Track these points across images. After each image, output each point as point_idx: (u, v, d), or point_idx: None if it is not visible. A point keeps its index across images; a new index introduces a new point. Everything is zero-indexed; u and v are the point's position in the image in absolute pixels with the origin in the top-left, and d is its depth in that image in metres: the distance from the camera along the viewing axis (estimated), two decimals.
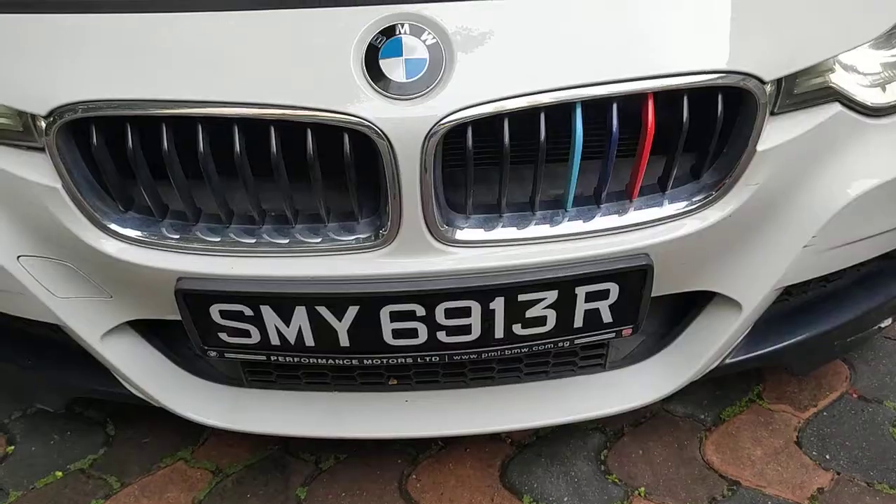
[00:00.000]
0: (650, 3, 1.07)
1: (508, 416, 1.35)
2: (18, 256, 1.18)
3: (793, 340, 1.39)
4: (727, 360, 1.37)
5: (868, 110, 1.18)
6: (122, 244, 1.12)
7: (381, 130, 1.01)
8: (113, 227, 1.11)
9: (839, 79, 1.15)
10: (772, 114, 1.12)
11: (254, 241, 1.12)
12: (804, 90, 1.12)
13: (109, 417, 1.69)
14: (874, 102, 1.18)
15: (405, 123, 1.02)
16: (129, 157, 1.06)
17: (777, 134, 1.12)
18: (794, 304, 1.41)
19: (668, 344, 1.36)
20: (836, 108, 1.15)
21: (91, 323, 1.24)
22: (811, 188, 1.18)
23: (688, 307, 1.35)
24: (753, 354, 1.37)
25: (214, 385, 1.36)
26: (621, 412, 1.34)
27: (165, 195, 1.13)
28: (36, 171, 1.09)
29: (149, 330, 1.31)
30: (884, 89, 1.20)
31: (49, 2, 1.08)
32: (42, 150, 1.08)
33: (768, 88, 1.08)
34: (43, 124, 1.05)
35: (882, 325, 1.51)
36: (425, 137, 1.02)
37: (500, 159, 1.06)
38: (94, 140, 1.05)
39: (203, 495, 1.51)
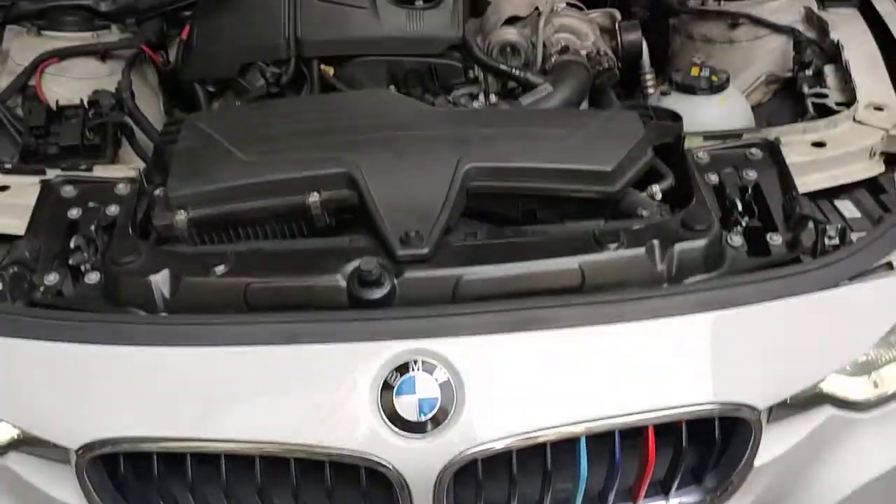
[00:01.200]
0: (649, 343, 1.13)
1: None
2: None
3: None
4: None
5: (859, 407, 1.23)
6: None
7: (395, 468, 1.06)
8: None
9: (831, 385, 1.20)
10: (767, 423, 1.18)
11: None
12: (797, 400, 1.18)
13: None
14: (865, 398, 1.23)
15: (418, 460, 1.07)
16: (155, 489, 1.10)
17: (773, 445, 1.17)
18: None
19: None
20: (829, 411, 1.21)
21: None
22: (808, 486, 1.23)
23: None
24: None
25: None
26: None
27: None
28: (63, 490, 1.13)
29: None
30: (876, 384, 1.25)
31: (79, 330, 1.13)
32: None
33: (763, 414, 1.14)
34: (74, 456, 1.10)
35: None
36: (439, 474, 1.07)
37: (509, 487, 1.11)
38: (122, 470, 1.10)
39: None
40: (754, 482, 1.17)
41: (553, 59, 1.73)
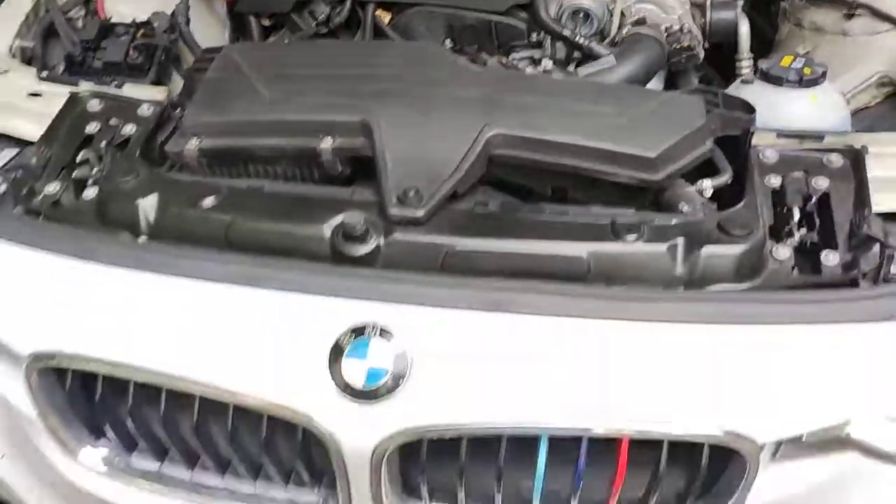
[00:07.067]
0: (639, 349, 1.00)
1: None
2: (2, 455, 1.22)
3: None
4: None
5: (891, 458, 1.05)
6: (89, 474, 1.14)
7: (331, 433, 0.99)
8: (81, 457, 1.14)
9: (860, 431, 1.02)
10: (772, 459, 1.02)
11: (213, 485, 1.12)
12: (815, 440, 1.01)
13: None
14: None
15: (357, 429, 0.99)
16: (97, 409, 1.08)
17: (774, 486, 1.01)
18: None
19: None
20: (851, 457, 1.03)
21: None
22: None
23: None
24: None
25: None
26: None
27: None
28: (15, 392, 1.13)
29: None
30: None
31: (53, 238, 1.12)
32: None
33: (766, 450, 0.98)
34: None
35: None
36: (377, 446, 0.98)
37: (458, 477, 1.01)
38: (69, 384, 1.08)
39: None
40: None
41: (625, 31, 1.58)
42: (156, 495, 1.13)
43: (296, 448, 1.06)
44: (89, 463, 1.14)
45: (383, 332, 1.00)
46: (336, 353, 1.00)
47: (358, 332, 1.00)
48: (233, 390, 1.01)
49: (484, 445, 1.02)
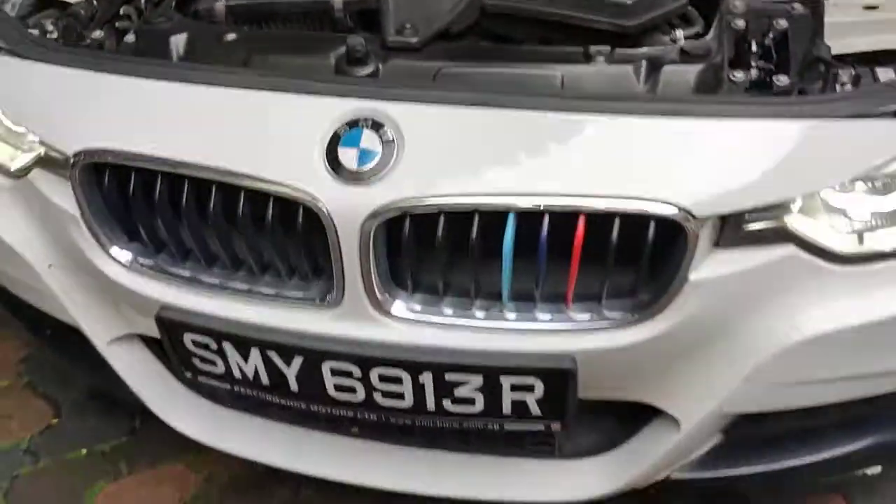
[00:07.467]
0: (595, 137, 1.13)
1: (449, 484, 1.42)
2: (50, 265, 1.40)
3: (753, 470, 1.37)
4: (674, 476, 1.36)
5: (833, 258, 1.16)
6: (121, 269, 1.31)
7: (327, 209, 1.14)
8: (115, 253, 1.30)
9: (798, 222, 1.14)
10: (716, 245, 1.14)
11: (226, 283, 1.28)
12: (754, 229, 1.13)
13: (139, 412, 1.89)
14: (843, 251, 1.16)
15: (349, 205, 1.13)
16: (130, 202, 1.24)
17: (715, 266, 1.14)
18: (765, 434, 1.38)
19: (617, 446, 1.38)
20: (790, 250, 1.15)
21: (100, 330, 1.44)
22: (755, 323, 1.17)
23: (644, 414, 1.36)
24: (704, 475, 1.36)
25: (201, 401, 1.53)
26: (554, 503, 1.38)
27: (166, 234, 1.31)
28: (64, 198, 1.30)
29: (153, 340, 1.49)
30: (861, 239, 1.18)
31: (98, 62, 1.30)
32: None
33: (703, 223, 1.10)
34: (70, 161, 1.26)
35: (868, 472, 1.45)
36: (363, 221, 1.13)
37: (436, 251, 1.15)
38: (107, 181, 1.25)
39: (189, 497, 1.68)
40: (689, 298, 1.14)
41: None
42: (174, 289, 1.30)
43: (298, 238, 1.21)
44: (120, 258, 1.31)
45: (374, 124, 1.15)
46: (334, 141, 1.15)
47: (352, 124, 1.16)
48: (247, 173, 1.17)
49: (462, 251, 1.15)
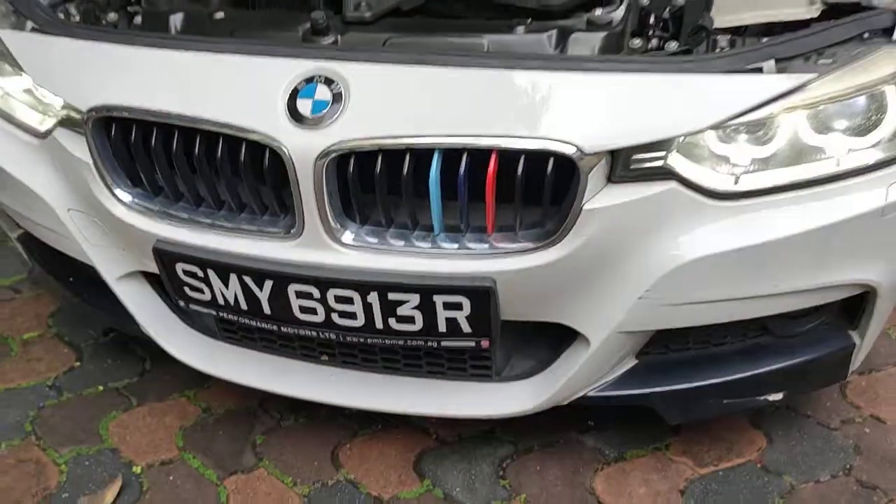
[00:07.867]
0: (505, 90, 1.36)
1: (405, 402, 1.65)
2: (69, 209, 1.67)
3: (661, 389, 1.57)
4: (591, 394, 1.57)
5: (709, 193, 1.37)
6: (124, 209, 1.57)
7: (287, 151, 1.38)
8: (120, 195, 1.57)
9: (676, 161, 1.35)
10: (609, 181, 1.36)
11: (210, 221, 1.53)
12: (640, 165, 1.35)
13: (150, 355, 2.16)
14: (717, 189, 1.37)
15: (305, 146, 1.38)
16: (132, 149, 1.51)
17: (608, 198, 1.35)
18: (674, 357, 1.59)
19: (545, 368, 1.60)
20: (671, 185, 1.36)
21: (111, 267, 1.70)
22: (644, 247, 1.39)
23: (568, 340, 1.58)
24: (618, 393, 1.57)
25: (198, 333, 1.78)
26: (488, 417, 1.60)
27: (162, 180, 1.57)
28: (81, 149, 1.57)
29: (155, 278, 1.75)
30: (737, 180, 1.38)
31: (108, 35, 1.57)
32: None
33: (594, 159, 1.32)
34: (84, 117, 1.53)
35: (770, 398, 1.64)
36: (318, 157, 1.37)
37: (378, 186, 1.39)
38: (113, 133, 1.52)
39: (189, 425, 1.93)
40: (585, 225, 1.36)
41: None
42: (168, 226, 1.55)
43: (268, 179, 1.45)
44: (124, 199, 1.57)
45: (326, 80, 1.40)
46: (293, 94, 1.41)
47: (309, 80, 1.41)
48: (225, 121, 1.42)
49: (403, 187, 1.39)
